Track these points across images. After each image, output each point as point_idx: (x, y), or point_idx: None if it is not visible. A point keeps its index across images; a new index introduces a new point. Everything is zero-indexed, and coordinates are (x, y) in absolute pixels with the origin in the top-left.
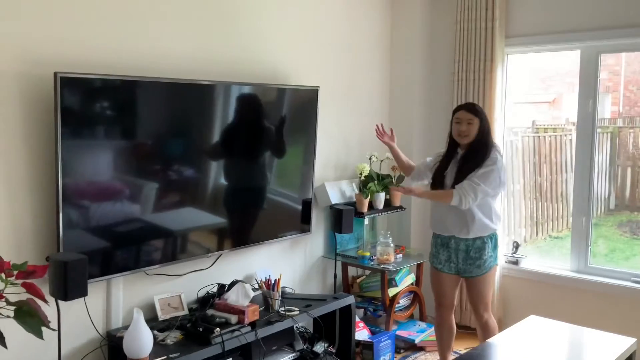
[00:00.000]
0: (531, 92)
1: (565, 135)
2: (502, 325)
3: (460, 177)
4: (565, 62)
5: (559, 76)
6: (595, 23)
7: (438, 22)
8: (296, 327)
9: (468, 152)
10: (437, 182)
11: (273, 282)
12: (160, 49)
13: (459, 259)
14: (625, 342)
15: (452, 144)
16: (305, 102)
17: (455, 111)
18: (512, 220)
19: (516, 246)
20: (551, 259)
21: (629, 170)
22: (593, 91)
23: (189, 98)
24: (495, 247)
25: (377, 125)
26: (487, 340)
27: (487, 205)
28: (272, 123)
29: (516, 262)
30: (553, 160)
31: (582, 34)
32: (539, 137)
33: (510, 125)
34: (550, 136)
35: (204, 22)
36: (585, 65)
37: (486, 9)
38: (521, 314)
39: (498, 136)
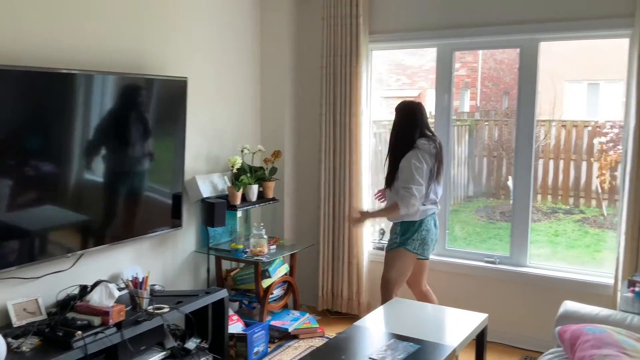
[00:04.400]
0: (399, 87)
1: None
2: (371, 308)
3: (389, 175)
4: (430, 59)
5: (423, 72)
6: (450, 22)
7: (306, 17)
8: (166, 325)
9: (389, 148)
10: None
11: (141, 280)
12: (16, 34)
13: None
14: (478, 318)
15: None
16: (174, 94)
17: None
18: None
19: (382, 233)
20: None
21: (485, 160)
22: (448, 86)
23: (47, 88)
24: (404, 233)
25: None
26: (354, 323)
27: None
28: (139, 115)
29: (382, 248)
30: None
31: (437, 32)
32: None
33: (379, 118)
34: None
35: (66, 5)
36: (441, 61)
37: (351, 6)
38: None
39: (364, 129)
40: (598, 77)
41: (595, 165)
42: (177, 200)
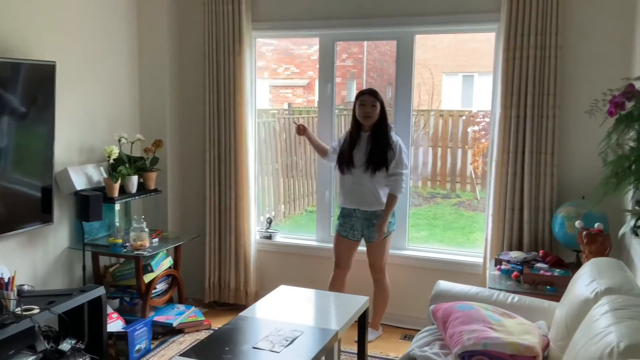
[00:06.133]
0: (288, 76)
1: (317, 116)
2: (258, 298)
3: (373, 157)
4: (317, 49)
5: (312, 62)
6: (331, 13)
7: (186, 2)
8: (37, 326)
9: (373, 133)
10: (345, 162)
11: (7, 280)
12: None
13: (363, 227)
14: (360, 300)
15: (356, 127)
16: (41, 79)
17: (359, 95)
18: (270, 197)
19: (269, 222)
20: (306, 232)
21: None
22: (331, 76)
23: None
24: (393, 215)
25: (296, 125)
26: (240, 314)
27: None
28: (1, 101)
29: (269, 237)
30: (306, 140)
31: (319, 22)
32: (294, 118)
33: (267, 107)
34: (304, 117)
35: None
36: (324, 51)
37: None
38: (275, 285)
39: (249, 118)
40: (472, 70)
41: (470, 152)
42: (47, 193)
